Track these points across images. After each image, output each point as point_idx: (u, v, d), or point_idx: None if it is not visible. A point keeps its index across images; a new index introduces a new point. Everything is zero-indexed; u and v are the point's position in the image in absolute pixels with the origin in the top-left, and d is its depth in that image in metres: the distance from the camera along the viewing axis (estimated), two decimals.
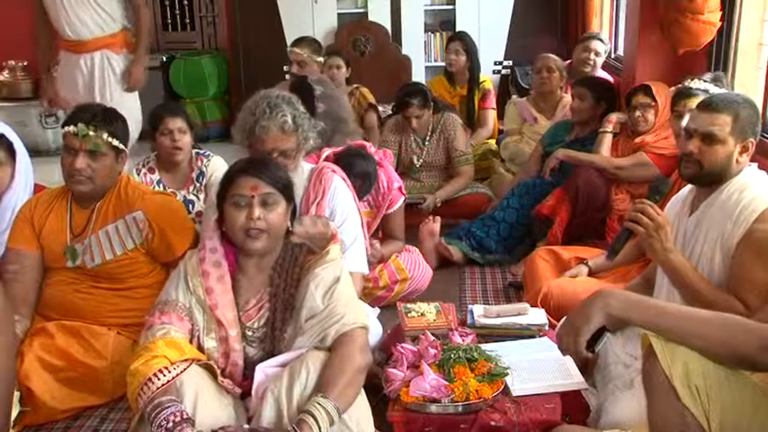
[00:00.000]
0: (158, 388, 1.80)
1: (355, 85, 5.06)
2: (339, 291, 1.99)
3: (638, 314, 1.64)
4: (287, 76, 4.57)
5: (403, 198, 3.39)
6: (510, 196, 3.85)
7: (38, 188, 2.92)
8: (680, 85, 3.13)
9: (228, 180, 2.02)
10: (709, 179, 2.18)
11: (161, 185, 3.42)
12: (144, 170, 3.44)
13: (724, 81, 3.13)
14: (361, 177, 3.14)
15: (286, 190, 2.04)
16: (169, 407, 1.77)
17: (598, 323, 1.65)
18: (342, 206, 2.71)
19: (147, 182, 3.38)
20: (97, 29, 4.21)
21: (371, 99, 4.99)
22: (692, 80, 3.08)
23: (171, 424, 1.73)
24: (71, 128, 2.52)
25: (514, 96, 5.24)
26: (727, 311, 1.74)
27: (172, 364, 1.84)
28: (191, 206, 3.39)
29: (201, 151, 3.56)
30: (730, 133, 2.11)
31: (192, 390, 1.84)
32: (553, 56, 4.65)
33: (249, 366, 2.00)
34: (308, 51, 4.52)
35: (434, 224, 3.73)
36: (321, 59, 4.64)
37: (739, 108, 2.13)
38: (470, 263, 3.79)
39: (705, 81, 3.04)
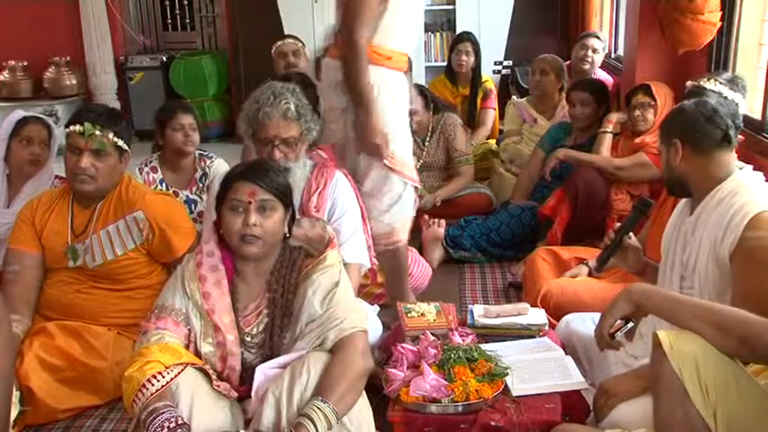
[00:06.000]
0: (152, 393, 1.79)
1: None
2: (338, 295, 1.98)
3: (655, 301, 1.74)
4: None
5: None
6: (502, 209, 3.95)
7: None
8: (693, 83, 2.96)
9: (227, 184, 2.01)
10: (675, 188, 2.23)
11: (164, 185, 3.40)
12: (147, 169, 3.41)
13: (740, 84, 2.96)
14: None
15: (284, 196, 2.02)
16: (164, 413, 1.76)
17: (621, 310, 1.78)
18: (342, 198, 2.73)
19: (150, 181, 3.36)
20: None
21: None
22: (708, 80, 2.91)
23: (166, 430, 1.73)
24: (76, 127, 2.51)
25: (514, 97, 5.22)
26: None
27: (166, 368, 1.84)
28: (193, 206, 3.38)
29: (205, 153, 3.53)
30: (661, 143, 2.23)
31: (187, 393, 1.83)
32: (550, 57, 4.60)
33: (247, 371, 1.99)
34: (301, 44, 4.44)
35: (439, 228, 3.67)
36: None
37: (667, 118, 2.25)
38: (469, 262, 3.81)
39: (720, 83, 2.88)
